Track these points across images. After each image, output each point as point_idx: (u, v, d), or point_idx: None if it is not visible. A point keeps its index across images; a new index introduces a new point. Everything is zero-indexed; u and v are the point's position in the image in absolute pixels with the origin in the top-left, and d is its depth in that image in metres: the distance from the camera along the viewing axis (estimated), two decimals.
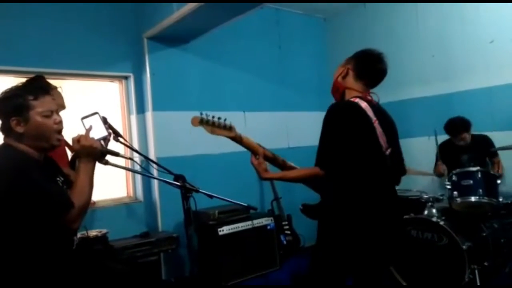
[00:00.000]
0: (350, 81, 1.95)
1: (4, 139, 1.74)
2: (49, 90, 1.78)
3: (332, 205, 1.84)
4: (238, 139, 1.90)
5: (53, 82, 2.55)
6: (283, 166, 2.00)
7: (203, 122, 1.84)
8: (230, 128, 1.88)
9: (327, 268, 1.83)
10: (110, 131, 2.16)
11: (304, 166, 1.92)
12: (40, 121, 1.69)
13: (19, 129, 1.67)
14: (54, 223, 1.65)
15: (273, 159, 1.99)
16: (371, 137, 1.80)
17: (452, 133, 3.67)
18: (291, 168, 2.00)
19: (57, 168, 1.91)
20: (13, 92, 1.71)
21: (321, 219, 1.90)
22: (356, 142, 1.76)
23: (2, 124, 1.72)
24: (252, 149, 1.92)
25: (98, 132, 1.88)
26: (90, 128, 1.83)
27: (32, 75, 2.91)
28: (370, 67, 1.95)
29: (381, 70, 1.95)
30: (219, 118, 1.88)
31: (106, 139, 1.93)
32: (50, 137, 1.73)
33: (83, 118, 1.89)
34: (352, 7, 5.02)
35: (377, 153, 1.82)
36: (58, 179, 1.83)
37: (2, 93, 1.74)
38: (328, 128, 1.80)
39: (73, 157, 2.14)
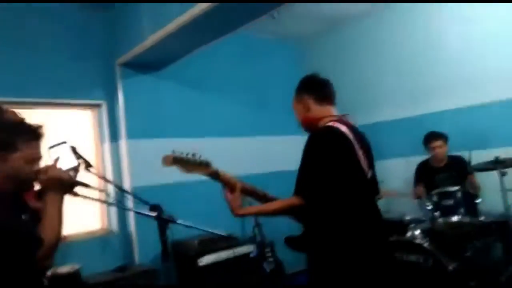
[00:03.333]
0: (316, 109, 1.90)
1: None
2: (42, 137, 1.68)
3: (318, 235, 1.75)
4: (215, 175, 1.80)
5: (22, 112, 2.45)
6: (263, 199, 1.91)
7: (177, 161, 1.71)
8: (206, 165, 1.77)
9: None
10: (80, 161, 2.05)
11: (284, 196, 1.81)
12: (20, 165, 1.60)
13: None
14: (24, 262, 1.52)
15: (252, 192, 1.89)
16: (354, 163, 1.74)
17: (428, 140, 3.73)
18: (272, 200, 1.89)
19: (23, 204, 1.78)
20: (5, 127, 1.62)
21: (309, 252, 1.80)
22: (341, 169, 1.69)
23: None
24: (230, 184, 1.81)
25: (67, 162, 1.77)
26: (58, 158, 1.73)
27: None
28: (321, 86, 1.94)
29: (329, 83, 1.95)
30: (193, 155, 1.74)
31: (75, 170, 1.82)
32: (23, 184, 1.65)
33: (50, 147, 1.78)
34: (324, 30, 5.11)
35: (360, 178, 1.77)
36: (24, 215, 1.71)
37: None
38: (310, 156, 1.72)
39: (41, 189, 2.02)
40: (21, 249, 1.51)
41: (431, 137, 3.73)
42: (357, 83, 4.79)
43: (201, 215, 2.71)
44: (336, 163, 1.68)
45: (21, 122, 1.69)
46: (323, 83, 1.95)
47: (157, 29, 3.25)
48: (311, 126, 1.91)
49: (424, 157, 3.92)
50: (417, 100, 4.40)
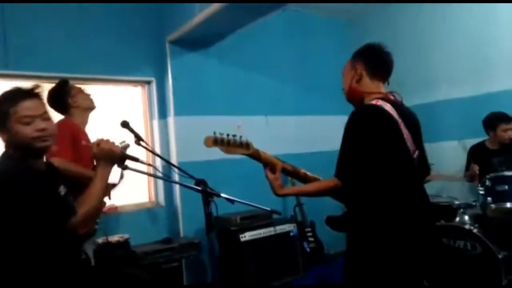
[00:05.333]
0: (366, 83, 1.82)
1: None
2: (34, 93, 1.66)
3: (361, 216, 1.72)
4: (256, 156, 1.80)
5: None
6: (304, 179, 1.89)
7: (217, 142, 1.75)
8: (247, 146, 1.79)
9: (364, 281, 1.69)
10: (133, 135, 2.13)
11: (326, 177, 1.79)
12: (17, 129, 1.59)
13: (3, 138, 1.63)
14: (53, 233, 1.59)
15: (293, 172, 1.87)
16: (398, 142, 1.68)
17: (496, 122, 3.47)
18: (314, 180, 1.88)
19: (59, 177, 1.83)
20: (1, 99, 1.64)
21: (350, 232, 1.78)
22: (383, 149, 1.64)
23: None
24: (271, 164, 1.81)
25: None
26: None
27: (55, 81, 2.94)
28: (380, 60, 1.83)
29: (390, 59, 1.84)
30: (234, 136, 1.78)
31: (126, 145, 1.91)
32: (30, 145, 1.61)
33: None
34: (376, 6, 4.91)
35: (404, 158, 1.71)
36: (60, 188, 1.74)
37: None
38: (352, 136, 1.67)
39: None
40: (48, 221, 1.56)
41: (501, 119, 3.46)
42: (410, 62, 4.57)
43: (244, 192, 2.74)
44: (378, 143, 1.63)
45: (14, 89, 1.67)
46: (383, 57, 1.84)
47: (206, 6, 3.27)
48: (354, 99, 1.87)
49: (479, 139, 3.72)
50: (474, 80, 4.16)
